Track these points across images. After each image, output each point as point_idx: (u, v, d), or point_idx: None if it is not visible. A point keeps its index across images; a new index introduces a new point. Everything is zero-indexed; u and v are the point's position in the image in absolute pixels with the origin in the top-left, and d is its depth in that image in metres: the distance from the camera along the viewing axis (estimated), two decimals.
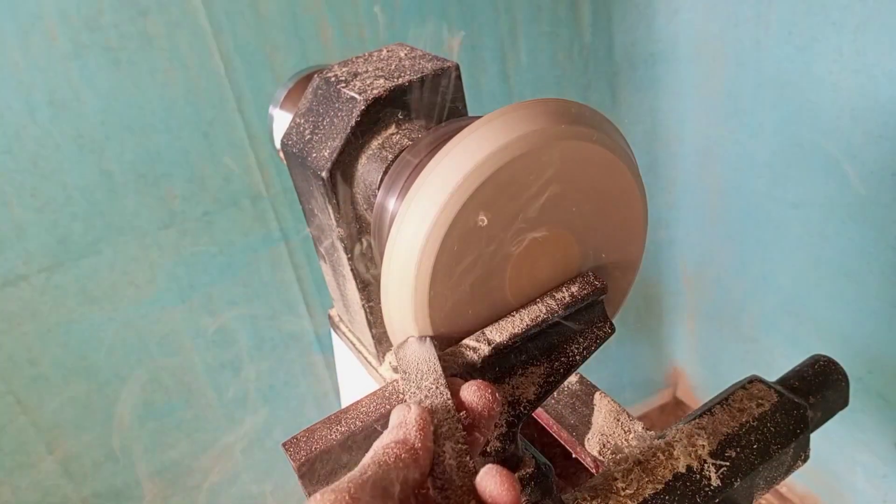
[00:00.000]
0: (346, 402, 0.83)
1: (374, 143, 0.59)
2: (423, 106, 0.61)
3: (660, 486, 0.48)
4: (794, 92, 1.20)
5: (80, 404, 1.18)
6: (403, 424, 0.37)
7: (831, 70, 1.12)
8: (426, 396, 0.41)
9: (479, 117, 0.49)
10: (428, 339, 0.48)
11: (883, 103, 1.07)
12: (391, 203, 0.55)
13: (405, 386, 0.43)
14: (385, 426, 0.45)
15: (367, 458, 0.36)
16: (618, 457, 0.51)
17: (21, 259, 1.06)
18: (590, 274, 0.54)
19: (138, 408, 1.24)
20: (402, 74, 0.60)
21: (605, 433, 0.62)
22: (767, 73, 1.23)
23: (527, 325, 0.50)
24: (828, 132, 1.17)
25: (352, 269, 0.63)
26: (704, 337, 1.73)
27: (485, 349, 0.49)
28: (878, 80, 1.06)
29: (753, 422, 0.52)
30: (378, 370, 0.68)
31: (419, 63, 0.61)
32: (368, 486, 0.33)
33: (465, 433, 0.39)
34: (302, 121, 0.63)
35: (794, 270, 1.37)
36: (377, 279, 0.63)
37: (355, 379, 0.77)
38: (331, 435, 0.44)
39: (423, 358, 0.45)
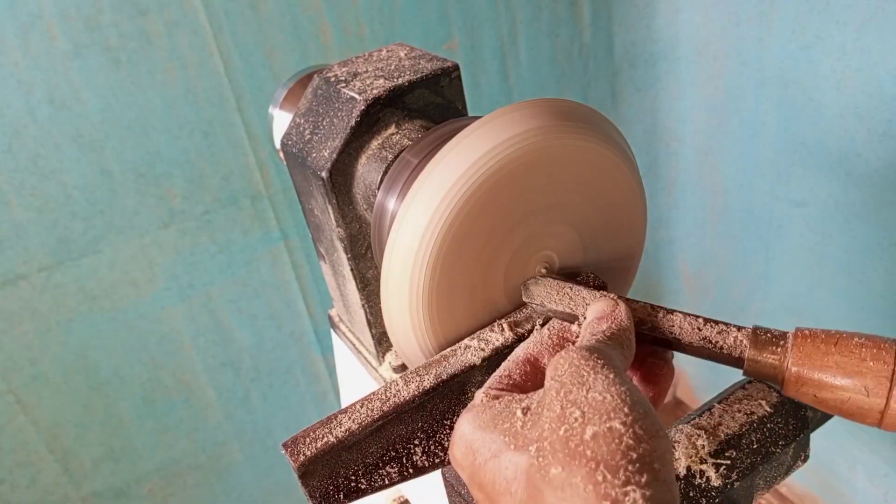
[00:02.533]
0: (345, 402, 0.83)
1: (374, 143, 0.59)
2: (423, 106, 0.61)
3: None
4: (797, 90, 1.20)
5: (79, 403, 1.19)
6: (614, 315, 0.44)
7: (835, 68, 1.12)
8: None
9: (478, 117, 0.49)
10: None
11: (887, 101, 1.07)
12: (391, 203, 0.55)
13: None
14: (385, 426, 0.45)
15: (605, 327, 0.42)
16: None
17: (21, 258, 1.06)
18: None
19: (138, 407, 1.24)
20: (402, 74, 0.60)
21: None
22: (770, 72, 1.23)
23: (527, 326, 0.51)
24: (831, 130, 1.17)
25: (352, 269, 0.63)
26: None
27: (486, 349, 0.49)
28: (882, 78, 1.06)
29: (753, 422, 0.52)
30: (378, 370, 0.68)
31: (419, 63, 0.61)
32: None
33: None
34: (302, 121, 0.63)
35: (797, 269, 1.36)
36: (377, 279, 0.63)
37: (355, 379, 0.77)
38: (331, 435, 0.44)
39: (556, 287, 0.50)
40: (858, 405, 0.42)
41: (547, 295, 0.50)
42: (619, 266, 0.57)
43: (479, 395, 0.41)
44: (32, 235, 1.06)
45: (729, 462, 0.50)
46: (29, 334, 1.11)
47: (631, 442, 0.31)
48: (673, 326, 0.47)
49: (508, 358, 0.44)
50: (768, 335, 0.45)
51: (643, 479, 0.31)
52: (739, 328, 0.46)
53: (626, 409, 0.33)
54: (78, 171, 1.05)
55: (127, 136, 1.06)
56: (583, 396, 0.34)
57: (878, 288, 1.22)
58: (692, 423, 0.53)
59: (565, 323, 0.48)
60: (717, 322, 0.47)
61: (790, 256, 1.37)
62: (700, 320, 0.47)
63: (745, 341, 0.46)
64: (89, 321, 1.14)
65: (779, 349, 0.44)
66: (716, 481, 0.49)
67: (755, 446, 0.51)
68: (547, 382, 0.36)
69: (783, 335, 0.45)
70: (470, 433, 0.37)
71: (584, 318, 0.46)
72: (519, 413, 0.36)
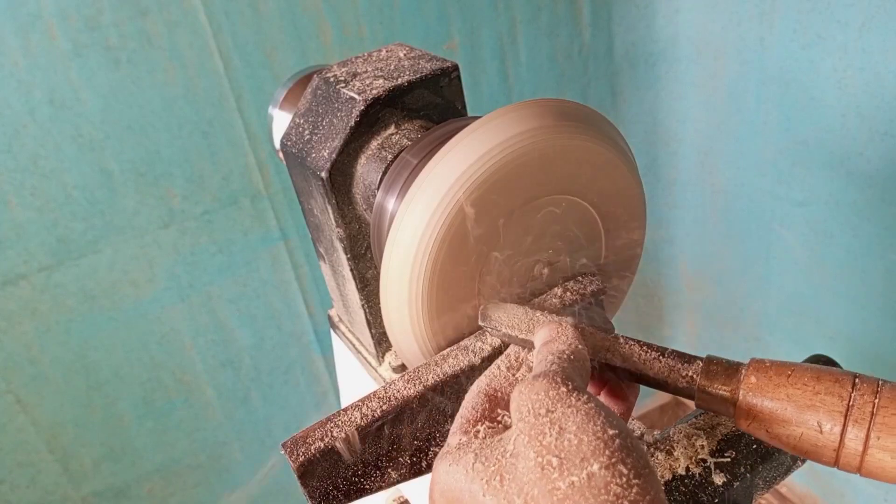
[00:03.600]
0: (345, 402, 0.83)
1: (374, 144, 0.59)
2: (423, 106, 0.61)
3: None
4: (798, 90, 1.20)
5: (79, 403, 1.18)
6: (562, 337, 0.42)
7: (836, 68, 1.12)
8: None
9: (478, 117, 0.49)
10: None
11: (888, 101, 1.07)
12: (391, 203, 0.55)
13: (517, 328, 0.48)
14: (385, 426, 0.45)
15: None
16: None
17: (21, 258, 1.06)
18: (588, 274, 0.54)
19: (138, 407, 1.24)
20: (402, 74, 0.60)
21: None
22: (771, 72, 1.23)
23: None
24: (833, 130, 1.17)
25: (351, 269, 0.63)
26: (704, 337, 1.72)
27: (486, 349, 0.49)
28: (883, 77, 1.06)
29: None
30: (377, 370, 0.68)
31: (418, 63, 0.61)
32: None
33: None
34: (301, 121, 0.63)
35: (798, 269, 1.36)
36: (377, 279, 0.63)
37: (355, 379, 0.77)
38: (330, 435, 0.44)
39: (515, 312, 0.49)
40: (812, 442, 0.38)
41: (506, 320, 0.49)
42: (619, 266, 0.57)
43: (451, 438, 0.39)
44: (32, 235, 1.06)
45: (729, 462, 0.50)
46: (29, 334, 1.11)
47: (619, 489, 0.30)
48: (631, 356, 0.45)
49: (467, 395, 0.43)
50: (720, 366, 0.42)
51: None
52: (693, 359, 0.44)
53: (606, 452, 0.31)
54: (78, 171, 1.05)
55: (127, 135, 1.06)
56: (555, 440, 0.32)
57: (880, 287, 1.22)
58: (691, 423, 0.53)
59: (521, 351, 0.46)
60: (673, 352, 0.44)
61: (791, 256, 1.37)
62: (654, 350, 0.45)
63: (696, 372, 0.43)
64: (89, 321, 1.14)
65: (731, 380, 0.41)
66: (716, 481, 0.49)
67: (755, 446, 0.51)
68: (515, 424, 0.35)
69: (736, 366, 0.42)
70: (449, 487, 0.36)
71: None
72: (495, 461, 0.34)
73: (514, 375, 0.44)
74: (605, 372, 0.46)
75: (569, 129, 0.48)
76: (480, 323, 0.50)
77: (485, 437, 0.38)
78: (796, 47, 1.17)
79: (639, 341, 0.45)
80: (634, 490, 0.30)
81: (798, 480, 1.60)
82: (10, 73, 0.97)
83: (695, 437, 0.52)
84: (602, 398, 0.48)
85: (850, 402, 0.37)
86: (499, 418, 0.41)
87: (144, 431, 1.26)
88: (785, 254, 1.38)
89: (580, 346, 0.41)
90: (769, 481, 0.52)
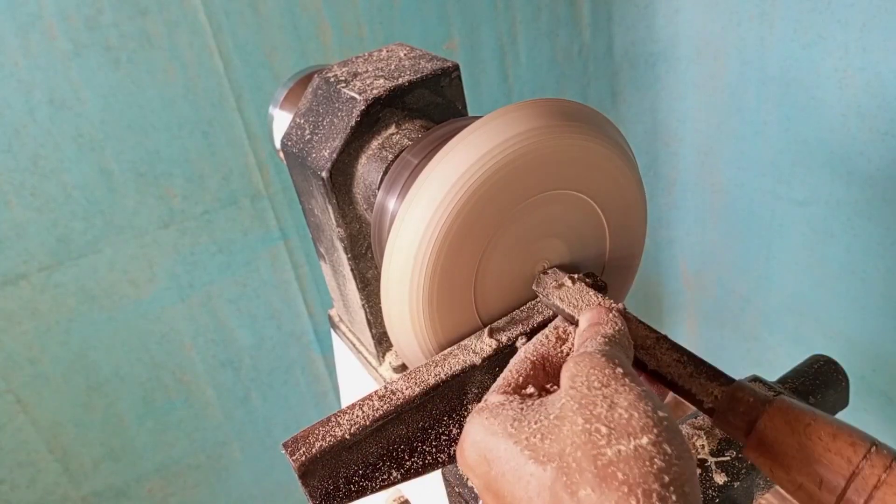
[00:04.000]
0: (346, 402, 0.83)
1: (374, 143, 0.59)
2: (423, 106, 0.61)
3: None
4: (799, 90, 1.20)
5: (79, 403, 1.18)
6: (612, 322, 0.43)
7: (837, 67, 1.12)
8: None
9: (478, 117, 0.49)
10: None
11: (889, 101, 1.07)
12: (391, 203, 0.55)
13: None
14: (385, 426, 0.45)
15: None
16: None
17: (21, 258, 1.06)
18: (588, 274, 0.54)
19: (138, 406, 1.24)
20: (402, 74, 0.60)
21: None
22: (772, 71, 1.23)
23: (527, 326, 0.50)
24: (833, 129, 1.17)
25: (352, 269, 0.63)
26: (705, 337, 1.72)
27: (486, 349, 0.49)
28: (884, 77, 1.06)
29: None
30: (378, 370, 0.68)
31: (419, 63, 0.61)
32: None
33: None
34: (302, 121, 0.63)
35: (798, 269, 1.36)
36: (377, 279, 0.63)
37: (355, 379, 0.77)
38: (331, 435, 0.44)
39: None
40: (808, 494, 0.38)
41: (558, 292, 0.50)
42: (619, 266, 0.57)
43: (490, 396, 0.40)
44: (32, 235, 1.06)
45: (729, 462, 0.50)
46: (29, 334, 1.11)
47: (662, 464, 0.31)
48: (665, 362, 0.45)
49: (513, 359, 0.44)
50: (747, 394, 0.42)
51: (675, 499, 0.30)
52: (723, 380, 0.44)
53: (655, 430, 0.32)
54: (78, 171, 1.05)
55: (127, 135, 1.06)
56: (606, 411, 0.33)
57: (880, 287, 1.22)
58: (690, 423, 0.53)
59: (568, 324, 0.47)
60: (708, 369, 0.44)
61: (791, 256, 1.37)
62: (690, 364, 0.45)
63: (720, 396, 0.43)
64: (89, 321, 1.14)
65: (751, 413, 0.41)
66: (717, 480, 0.49)
67: None
68: (564, 391, 0.35)
69: (763, 400, 0.42)
70: (483, 439, 0.36)
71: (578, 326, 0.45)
72: (536, 421, 0.35)
73: (561, 347, 0.45)
74: (637, 365, 0.46)
75: (569, 129, 0.48)
76: (534, 288, 0.52)
77: (525, 399, 0.38)
78: (797, 47, 1.17)
79: (679, 348, 0.45)
80: (674, 468, 0.31)
81: None
82: (11, 73, 0.97)
83: (695, 437, 0.52)
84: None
85: (857, 470, 0.37)
86: (546, 385, 0.41)
87: (144, 431, 1.26)
88: (785, 253, 1.38)
89: (625, 332, 0.42)
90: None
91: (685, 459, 0.32)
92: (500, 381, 0.42)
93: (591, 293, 0.49)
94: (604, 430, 0.32)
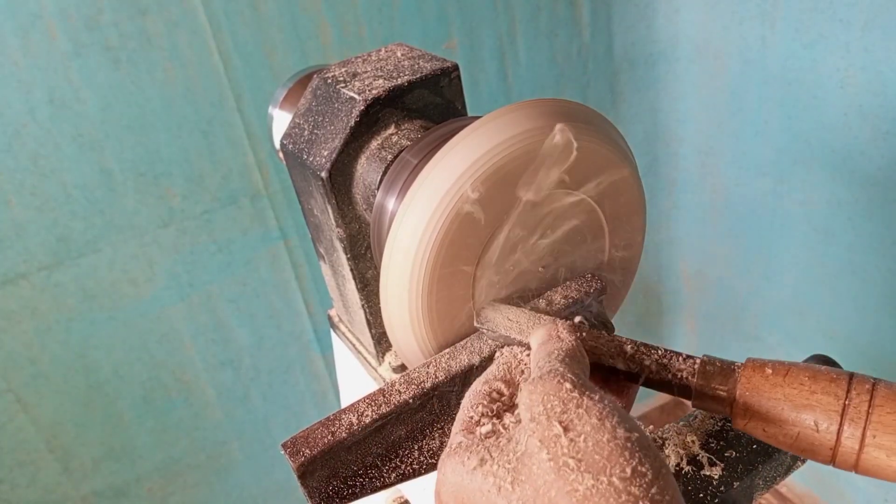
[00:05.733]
0: (345, 402, 0.83)
1: (374, 144, 0.59)
2: (422, 106, 0.61)
3: None
4: (800, 89, 1.20)
5: (79, 402, 1.19)
6: (558, 337, 0.43)
7: (839, 67, 1.12)
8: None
9: (478, 117, 0.49)
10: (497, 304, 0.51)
11: (891, 100, 1.07)
12: (390, 203, 0.55)
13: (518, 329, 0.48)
14: (385, 426, 0.45)
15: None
16: None
17: (21, 257, 1.06)
18: (588, 274, 0.54)
19: (138, 406, 1.24)
20: (401, 74, 0.60)
21: None
22: (773, 71, 1.23)
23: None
24: (835, 129, 1.17)
25: (351, 269, 0.63)
26: (705, 336, 1.72)
27: (486, 349, 0.49)
28: (886, 76, 1.06)
29: None
30: (377, 370, 0.68)
31: (418, 63, 0.61)
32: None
33: None
34: (301, 121, 0.63)
35: (799, 268, 1.36)
36: (377, 279, 0.63)
37: (355, 379, 0.77)
38: (330, 435, 0.44)
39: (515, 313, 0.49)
40: (809, 441, 0.39)
41: (502, 321, 0.49)
42: (619, 266, 0.57)
43: (455, 438, 0.39)
44: (32, 234, 1.06)
45: (727, 462, 0.50)
46: (29, 333, 1.11)
47: (639, 491, 0.30)
48: (627, 356, 0.45)
49: (467, 395, 0.43)
50: (716, 366, 0.43)
51: None
52: (688, 358, 0.44)
53: (625, 454, 0.31)
54: (78, 171, 1.05)
55: (127, 135, 1.06)
56: (570, 442, 0.32)
57: (881, 287, 1.22)
58: (683, 424, 0.53)
59: (520, 351, 0.47)
60: (669, 352, 0.45)
61: (792, 256, 1.37)
62: (651, 350, 0.45)
63: (691, 372, 0.43)
64: (89, 320, 1.14)
65: (727, 380, 0.42)
66: (713, 474, 0.49)
67: (754, 446, 0.51)
68: (525, 424, 0.35)
69: (732, 366, 0.42)
70: (459, 483, 0.36)
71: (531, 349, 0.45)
72: (507, 462, 0.34)
73: (510, 375, 0.44)
74: (603, 371, 0.46)
75: (568, 129, 0.48)
76: (476, 324, 0.50)
77: (489, 437, 0.38)
78: (798, 46, 1.17)
79: (635, 341, 0.46)
80: (654, 489, 0.30)
81: (798, 480, 1.60)
82: (11, 73, 0.97)
83: (683, 435, 0.52)
84: None
85: (847, 402, 0.38)
86: (502, 418, 0.41)
87: (144, 430, 1.26)
88: (786, 253, 1.38)
89: (577, 346, 0.42)
90: (769, 481, 0.52)
91: (663, 476, 0.31)
92: (459, 420, 0.41)
93: (532, 314, 0.48)
94: (572, 463, 0.31)
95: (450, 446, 0.39)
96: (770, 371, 0.41)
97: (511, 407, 0.42)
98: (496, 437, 0.37)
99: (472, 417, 0.40)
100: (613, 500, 0.30)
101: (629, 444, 0.32)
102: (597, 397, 0.34)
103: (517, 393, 0.42)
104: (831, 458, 0.39)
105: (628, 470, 0.31)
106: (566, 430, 0.33)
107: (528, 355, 0.46)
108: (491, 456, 0.35)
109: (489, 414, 0.41)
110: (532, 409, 0.35)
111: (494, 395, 0.42)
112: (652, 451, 0.32)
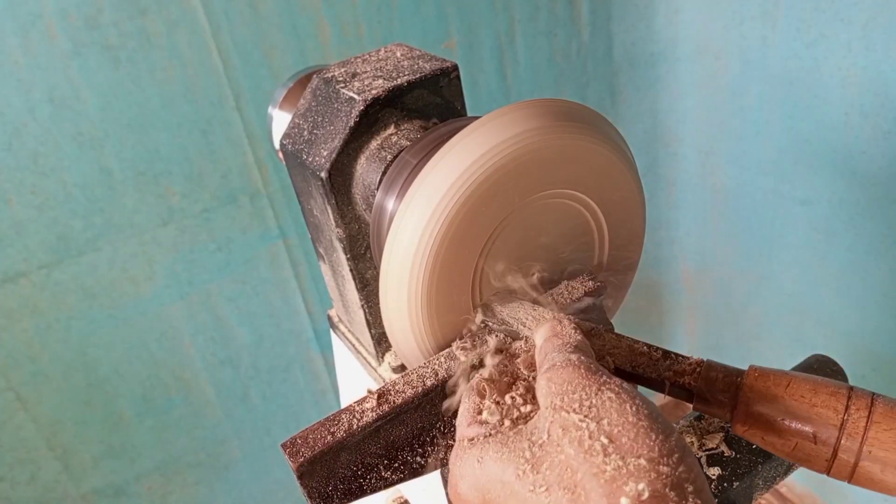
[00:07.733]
0: (345, 402, 0.83)
1: (373, 144, 0.59)
2: (422, 106, 0.61)
3: None
4: (801, 88, 1.20)
5: (79, 400, 1.19)
6: (564, 333, 0.43)
7: (840, 66, 1.12)
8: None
9: (477, 117, 0.49)
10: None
11: (892, 99, 1.07)
12: (390, 203, 0.55)
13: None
14: (384, 427, 0.45)
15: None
16: None
17: (21, 256, 1.06)
18: (588, 274, 0.54)
19: (137, 404, 1.24)
20: (401, 75, 0.60)
21: None
22: (774, 70, 1.23)
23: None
24: (836, 128, 1.17)
25: (351, 270, 0.63)
26: (705, 336, 1.73)
27: (485, 349, 0.49)
28: (887, 76, 1.06)
29: None
30: (377, 370, 0.68)
31: (417, 63, 0.61)
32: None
33: None
34: (301, 121, 0.63)
35: (799, 268, 1.36)
36: (376, 279, 0.63)
37: (355, 379, 0.77)
38: (329, 435, 0.44)
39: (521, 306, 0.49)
40: (806, 451, 0.39)
41: (508, 314, 0.49)
42: (619, 266, 0.57)
43: (464, 431, 0.40)
44: (32, 233, 1.06)
45: (727, 462, 0.50)
46: (29, 332, 1.11)
47: (667, 470, 0.31)
48: (631, 357, 0.45)
49: (467, 391, 0.43)
50: (719, 372, 0.43)
51: (690, 500, 0.30)
52: (690, 360, 0.44)
53: (652, 435, 0.32)
54: (78, 170, 1.05)
55: (126, 134, 1.06)
56: (595, 426, 0.33)
57: (882, 286, 1.22)
58: (687, 422, 0.53)
59: (522, 344, 0.47)
60: (673, 355, 0.45)
61: (792, 255, 1.37)
62: (655, 352, 0.45)
63: (694, 376, 0.43)
64: (89, 319, 1.14)
65: (730, 387, 0.42)
66: (711, 473, 0.49)
67: (754, 446, 0.51)
68: (546, 412, 0.35)
69: (736, 373, 0.43)
70: (476, 474, 0.36)
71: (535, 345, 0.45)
72: (526, 449, 0.34)
73: (513, 364, 0.45)
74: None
75: (567, 130, 0.48)
76: (482, 316, 0.51)
77: (500, 426, 0.38)
78: (800, 46, 1.17)
79: (639, 342, 0.46)
80: (682, 468, 0.31)
81: (797, 480, 1.60)
82: (11, 72, 0.97)
83: (686, 434, 0.52)
84: None
85: (846, 416, 0.38)
86: (510, 408, 0.41)
87: (144, 429, 1.26)
88: (786, 253, 1.38)
89: (581, 338, 0.42)
90: (769, 481, 0.52)
91: (688, 457, 0.32)
92: (463, 414, 0.41)
93: (539, 309, 0.48)
94: (598, 446, 0.32)
95: (460, 442, 0.39)
96: (772, 382, 0.41)
97: (519, 397, 0.42)
98: (510, 426, 0.38)
99: (477, 409, 0.41)
100: (645, 479, 0.30)
101: (655, 426, 0.32)
102: (614, 382, 0.35)
103: (520, 383, 0.43)
104: (827, 468, 0.39)
105: (656, 450, 0.31)
106: (589, 414, 0.33)
107: (527, 350, 0.46)
108: (510, 446, 0.35)
109: (495, 404, 0.41)
110: (552, 397, 0.35)
111: (497, 386, 0.43)
112: (674, 432, 0.33)
